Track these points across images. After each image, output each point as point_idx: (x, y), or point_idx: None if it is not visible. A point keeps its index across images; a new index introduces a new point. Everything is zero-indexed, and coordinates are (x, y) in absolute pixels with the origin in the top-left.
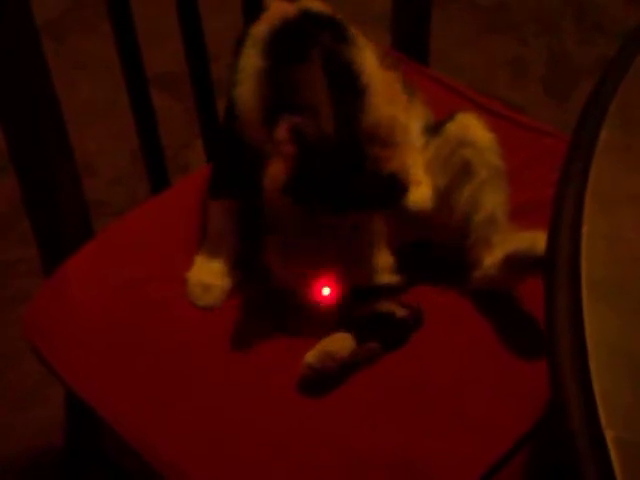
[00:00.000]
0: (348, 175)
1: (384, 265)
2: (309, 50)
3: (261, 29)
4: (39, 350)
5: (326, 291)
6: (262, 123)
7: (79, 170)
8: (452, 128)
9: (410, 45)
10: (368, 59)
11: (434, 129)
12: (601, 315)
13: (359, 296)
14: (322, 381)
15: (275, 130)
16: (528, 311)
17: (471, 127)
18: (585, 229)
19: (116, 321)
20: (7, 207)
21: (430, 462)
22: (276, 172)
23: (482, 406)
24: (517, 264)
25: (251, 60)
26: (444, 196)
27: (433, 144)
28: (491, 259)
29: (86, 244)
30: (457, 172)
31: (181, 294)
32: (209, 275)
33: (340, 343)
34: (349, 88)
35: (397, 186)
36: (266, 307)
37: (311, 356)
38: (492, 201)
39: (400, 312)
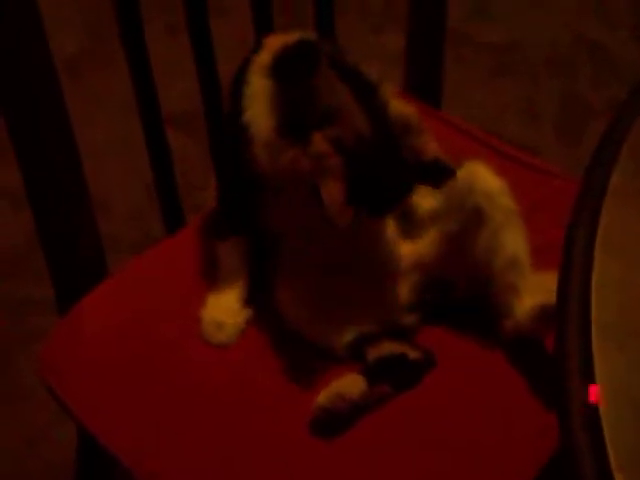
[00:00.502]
0: (396, 169)
1: (399, 304)
2: (316, 62)
3: (264, 57)
4: (53, 388)
5: None
6: (279, 142)
7: (94, 206)
8: (461, 175)
9: (423, 86)
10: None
11: None
12: (611, 359)
13: (372, 336)
14: (333, 422)
15: (311, 146)
16: (542, 352)
17: (480, 173)
18: (595, 273)
19: (130, 360)
20: (23, 241)
21: None
22: (332, 190)
23: (494, 447)
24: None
25: (259, 84)
26: (458, 243)
27: (442, 191)
28: (523, 309)
29: (101, 283)
30: (470, 219)
31: (195, 333)
32: (222, 313)
33: (351, 384)
34: (367, 87)
35: (444, 168)
36: (279, 345)
37: (323, 397)
38: (511, 244)
39: (412, 354)
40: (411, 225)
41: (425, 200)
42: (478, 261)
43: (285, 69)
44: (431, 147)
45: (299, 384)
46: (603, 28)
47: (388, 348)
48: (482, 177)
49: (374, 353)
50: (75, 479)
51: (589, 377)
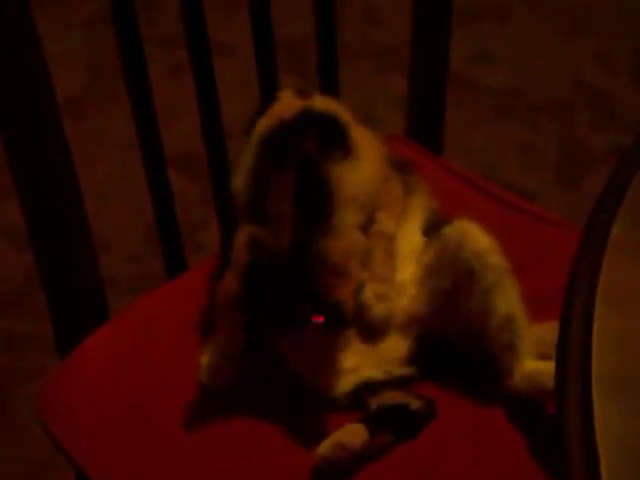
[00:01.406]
0: (293, 295)
1: (398, 355)
2: (289, 159)
3: (261, 125)
4: (51, 430)
5: None
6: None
7: (95, 247)
8: (450, 233)
9: (424, 131)
10: (361, 171)
11: (434, 227)
12: (612, 411)
13: (372, 387)
14: (334, 472)
15: (236, 236)
16: (541, 408)
17: (469, 232)
18: (596, 326)
19: (129, 404)
20: (23, 278)
21: None
22: (229, 282)
23: None
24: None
25: (246, 156)
26: (451, 300)
27: (432, 247)
28: (521, 373)
29: (102, 326)
30: (461, 278)
31: (194, 378)
32: (221, 358)
33: (352, 434)
34: (316, 207)
35: (337, 316)
36: (279, 392)
37: (324, 447)
38: (504, 305)
39: (413, 403)
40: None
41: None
42: (472, 319)
43: (264, 154)
44: (341, 292)
45: (299, 432)
46: (603, 73)
47: (390, 397)
48: (471, 236)
49: (376, 402)
50: None
51: (589, 435)
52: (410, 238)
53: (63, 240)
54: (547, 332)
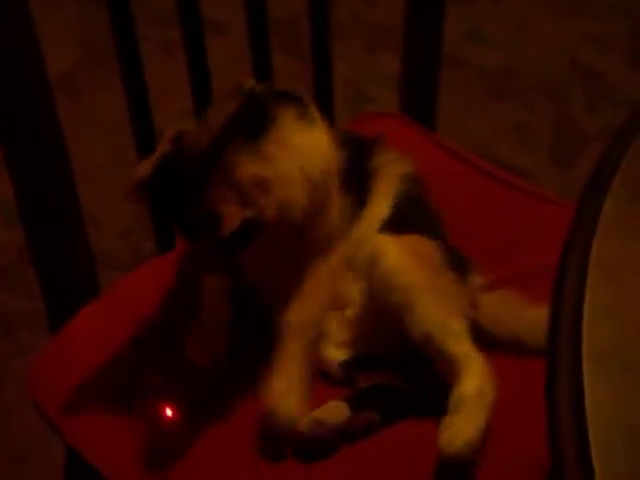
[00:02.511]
0: (187, 195)
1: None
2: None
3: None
4: (41, 406)
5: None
6: None
7: (86, 224)
8: (367, 251)
9: (418, 109)
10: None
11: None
12: (603, 386)
13: (367, 361)
14: (313, 449)
15: (165, 129)
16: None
17: (381, 251)
18: (588, 301)
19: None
20: (15, 255)
21: None
22: (142, 167)
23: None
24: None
25: None
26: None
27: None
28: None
29: (91, 301)
30: (378, 298)
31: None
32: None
33: (333, 411)
34: (249, 129)
35: (209, 221)
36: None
37: (302, 424)
38: (419, 323)
39: (401, 384)
40: None
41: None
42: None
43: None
44: (227, 206)
45: None
46: (598, 54)
47: (380, 378)
48: (383, 255)
49: (365, 381)
50: None
51: (580, 410)
52: (369, 231)
53: (54, 216)
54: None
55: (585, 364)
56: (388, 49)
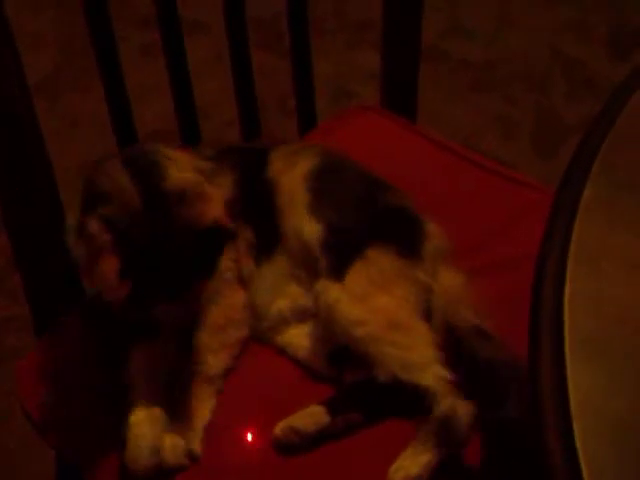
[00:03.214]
0: (170, 243)
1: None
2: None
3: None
4: (27, 409)
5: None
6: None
7: None
8: (320, 304)
9: (399, 102)
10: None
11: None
12: (585, 375)
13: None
14: (288, 452)
15: (85, 229)
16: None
17: (335, 306)
18: (569, 287)
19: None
20: (2, 262)
21: None
22: (103, 265)
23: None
24: None
25: None
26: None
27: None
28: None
29: (77, 304)
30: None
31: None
32: None
33: (309, 418)
34: (148, 167)
35: (223, 231)
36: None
37: (278, 429)
38: (387, 366)
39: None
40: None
41: None
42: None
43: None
44: (211, 212)
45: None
46: (579, 44)
47: (366, 373)
48: (336, 310)
49: (353, 375)
50: None
51: (563, 394)
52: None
53: (37, 223)
54: None
55: (567, 350)
56: (368, 45)
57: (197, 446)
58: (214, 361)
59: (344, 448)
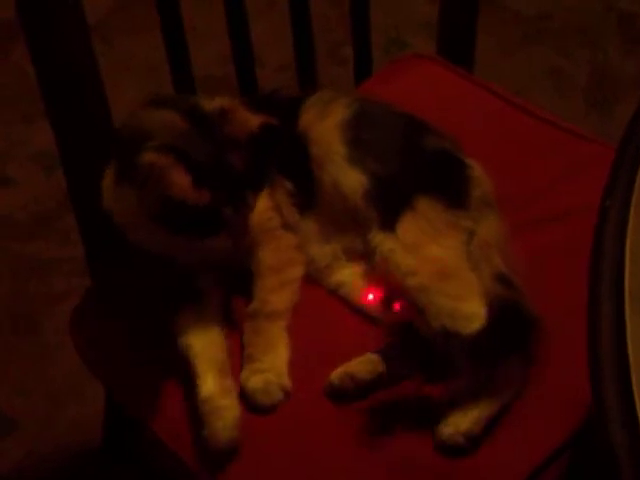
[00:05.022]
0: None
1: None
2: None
3: None
4: (81, 349)
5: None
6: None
7: None
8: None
9: (455, 52)
10: None
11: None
12: None
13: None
14: (342, 399)
15: (140, 163)
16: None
17: (391, 256)
18: (629, 240)
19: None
20: (54, 205)
21: (471, 467)
22: (179, 179)
23: (521, 415)
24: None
25: None
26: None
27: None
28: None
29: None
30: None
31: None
32: None
33: (366, 366)
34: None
35: (273, 130)
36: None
37: (335, 375)
38: (435, 317)
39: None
40: None
41: None
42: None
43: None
44: (251, 121)
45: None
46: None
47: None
48: (389, 261)
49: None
50: (103, 437)
51: (622, 345)
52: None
53: (94, 162)
54: None
55: (627, 303)
56: None
57: (286, 381)
58: (278, 298)
59: (391, 403)
